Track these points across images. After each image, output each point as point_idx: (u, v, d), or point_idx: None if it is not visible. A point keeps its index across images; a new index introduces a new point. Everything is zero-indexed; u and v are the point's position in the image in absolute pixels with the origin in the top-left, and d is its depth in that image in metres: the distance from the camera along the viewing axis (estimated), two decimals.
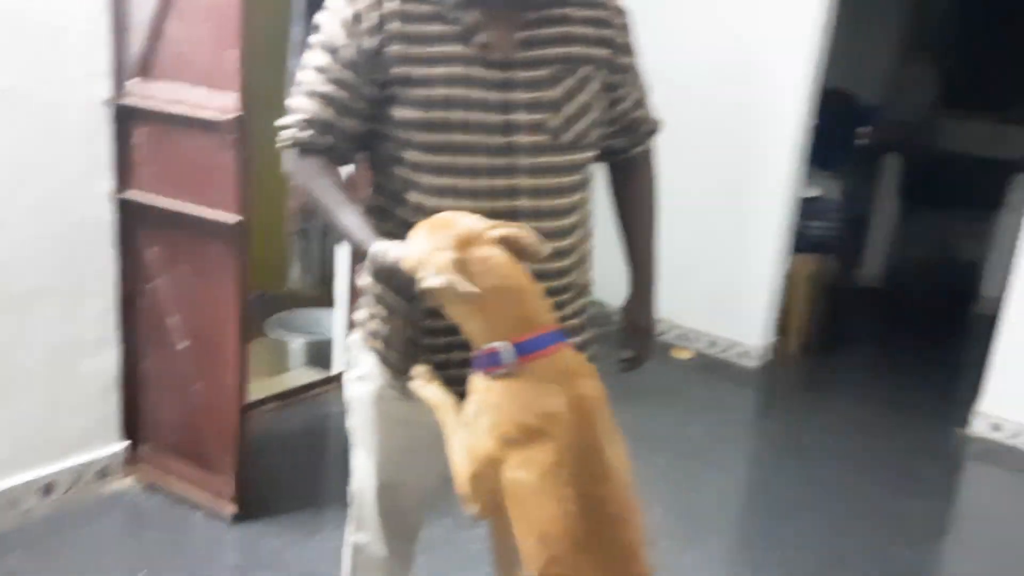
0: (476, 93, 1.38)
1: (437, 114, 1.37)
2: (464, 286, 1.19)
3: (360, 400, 1.60)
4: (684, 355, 4.21)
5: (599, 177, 1.63)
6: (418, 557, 1.79)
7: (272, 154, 1.57)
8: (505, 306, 1.24)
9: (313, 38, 1.43)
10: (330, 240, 3.62)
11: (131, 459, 2.75)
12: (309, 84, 1.42)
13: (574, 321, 1.54)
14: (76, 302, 2.54)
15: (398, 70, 1.37)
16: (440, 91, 1.37)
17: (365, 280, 1.55)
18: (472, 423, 1.28)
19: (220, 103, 2.34)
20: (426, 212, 1.37)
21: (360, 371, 1.58)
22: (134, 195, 2.55)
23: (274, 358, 3.64)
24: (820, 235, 4.40)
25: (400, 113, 1.38)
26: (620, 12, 1.52)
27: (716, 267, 4.18)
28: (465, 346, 1.32)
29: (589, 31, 1.46)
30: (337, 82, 1.39)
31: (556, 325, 1.29)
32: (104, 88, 2.47)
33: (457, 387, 1.36)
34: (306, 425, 3.26)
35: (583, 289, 1.58)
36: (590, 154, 1.51)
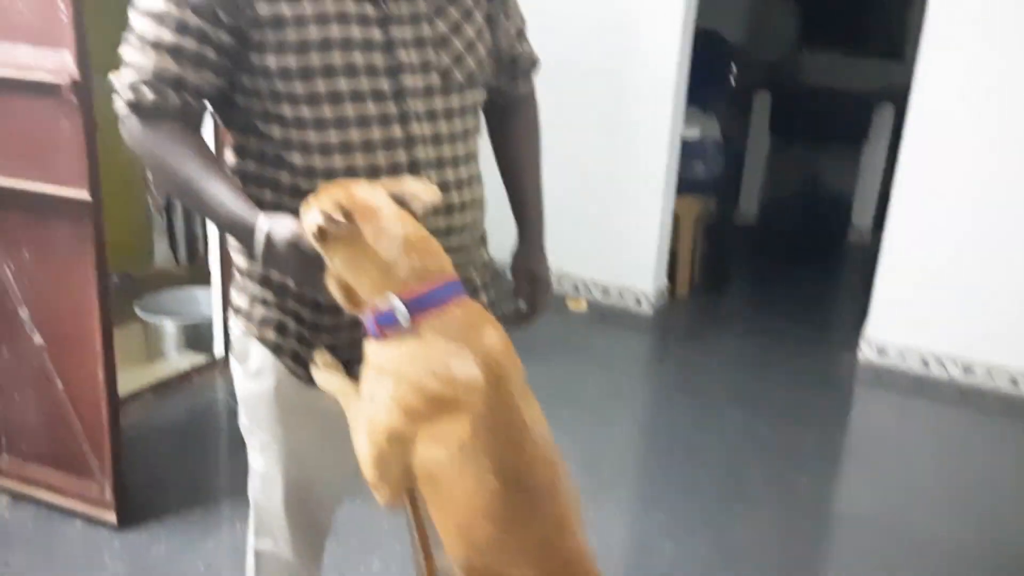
0: (357, 32, 1.22)
1: (315, 58, 1.20)
2: (336, 217, 1.06)
3: (257, 397, 1.41)
4: (580, 307, 4.17)
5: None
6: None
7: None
8: (395, 256, 1.09)
9: None
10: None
11: None
12: (146, 33, 1.19)
13: (478, 278, 1.45)
14: None
15: (265, 11, 1.18)
16: (315, 32, 1.20)
17: (244, 261, 1.36)
18: (371, 398, 1.12)
19: (53, 63, 2.05)
20: (316, 175, 1.22)
21: (252, 366, 1.39)
22: None
23: (147, 345, 3.36)
24: (701, 175, 4.42)
25: (270, 62, 1.20)
26: None
27: (604, 214, 4.14)
28: (356, 324, 1.18)
29: None
30: (183, 29, 1.18)
31: (452, 275, 1.14)
32: None
33: (353, 369, 1.22)
34: (189, 415, 3.02)
35: (483, 242, 1.50)
36: (480, 96, 1.40)
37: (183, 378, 3.16)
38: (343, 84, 1.22)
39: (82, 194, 2.13)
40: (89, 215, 2.15)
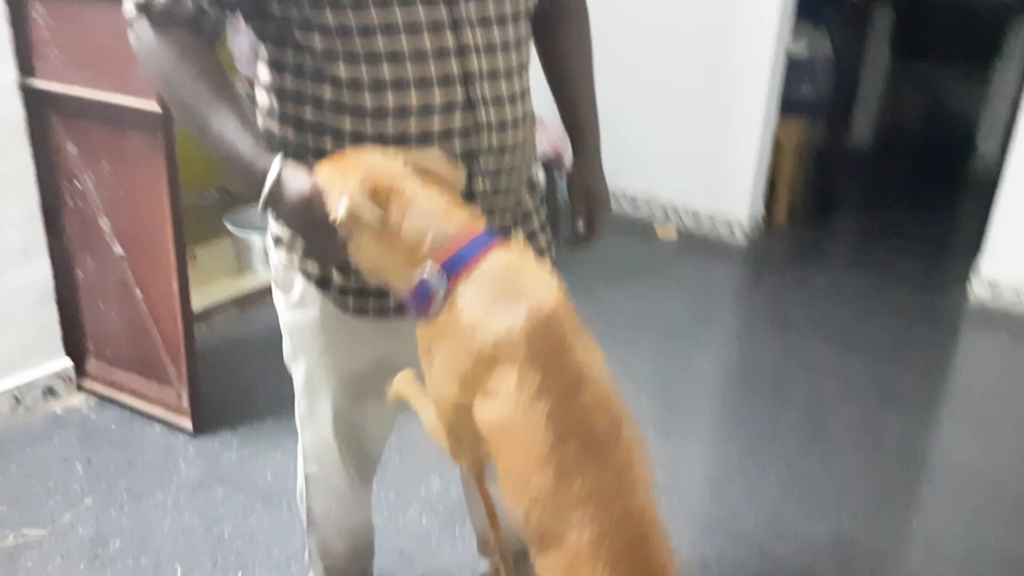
0: None
1: None
2: (370, 210, 1.03)
3: (301, 327, 1.38)
4: (669, 234, 4.01)
5: None
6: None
7: None
8: (421, 235, 1.05)
9: None
10: None
11: (80, 374, 2.58)
12: None
13: (529, 201, 1.39)
14: None
15: None
16: None
17: None
18: (432, 379, 1.10)
19: None
20: (362, 87, 1.15)
21: (295, 295, 1.35)
22: (41, 84, 2.27)
23: (236, 258, 3.42)
24: (808, 96, 4.13)
25: None
26: None
27: (698, 136, 3.93)
28: None
29: None
30: None
31: (478, 228, 1.08)
32: None
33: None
34: (269, 329, 3.06)
35: (535, 162, 1.41)
36: (532, 1, 1.29)
37: (266, 292, 3.20)
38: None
39: (152, 106, 2.13)
40: (162, 128, 2.15)
